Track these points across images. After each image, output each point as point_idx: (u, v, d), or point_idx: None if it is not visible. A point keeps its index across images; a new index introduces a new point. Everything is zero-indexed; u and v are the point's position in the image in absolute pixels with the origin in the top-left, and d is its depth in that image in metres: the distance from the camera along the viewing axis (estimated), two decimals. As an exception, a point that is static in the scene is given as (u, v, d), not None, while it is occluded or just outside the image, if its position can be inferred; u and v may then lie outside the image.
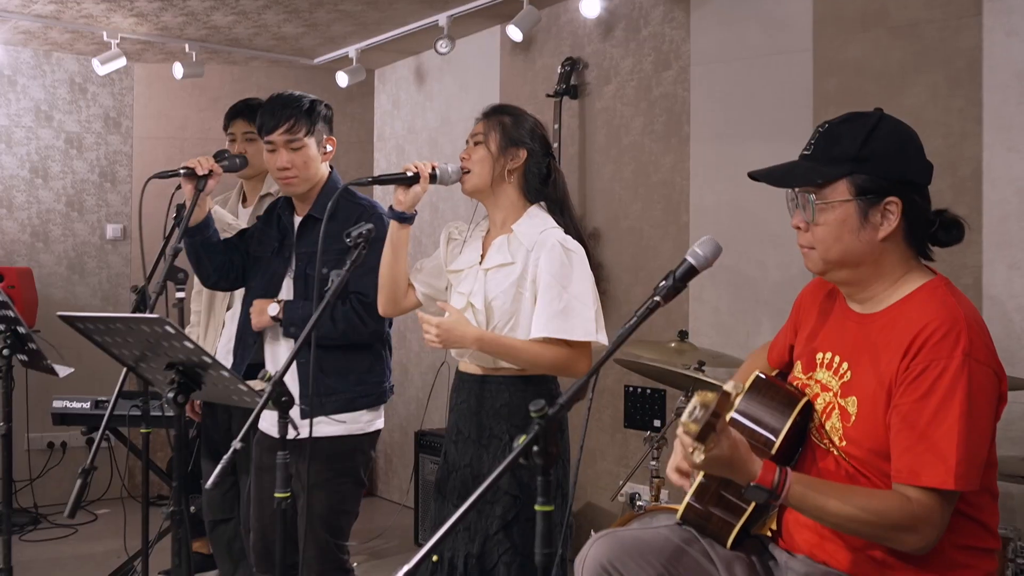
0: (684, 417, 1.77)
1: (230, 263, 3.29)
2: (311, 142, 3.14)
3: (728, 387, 1.77)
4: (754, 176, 2.17)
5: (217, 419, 3.89)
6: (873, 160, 2.03)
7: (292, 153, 3.11)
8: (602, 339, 2.66)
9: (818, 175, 2.06)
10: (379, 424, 3.24)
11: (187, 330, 4.04)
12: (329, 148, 3.21)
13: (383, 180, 2.86)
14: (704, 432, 1.77)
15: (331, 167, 3.28)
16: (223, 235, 3.38)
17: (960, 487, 1.90)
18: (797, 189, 2.12)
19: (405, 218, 2.81)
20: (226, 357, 3.56)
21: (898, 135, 2.09)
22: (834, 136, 2.08)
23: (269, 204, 3.44)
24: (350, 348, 3.13)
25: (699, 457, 1.83)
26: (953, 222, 2.11)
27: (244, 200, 3.99)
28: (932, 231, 2.11)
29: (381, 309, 2.95)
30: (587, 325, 2.63)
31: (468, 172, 2.80)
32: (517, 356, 2.66)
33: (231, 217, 3.81)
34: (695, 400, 1.76)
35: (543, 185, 2.83)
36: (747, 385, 2.23)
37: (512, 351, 2.66)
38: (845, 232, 2.05)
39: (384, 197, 6.47)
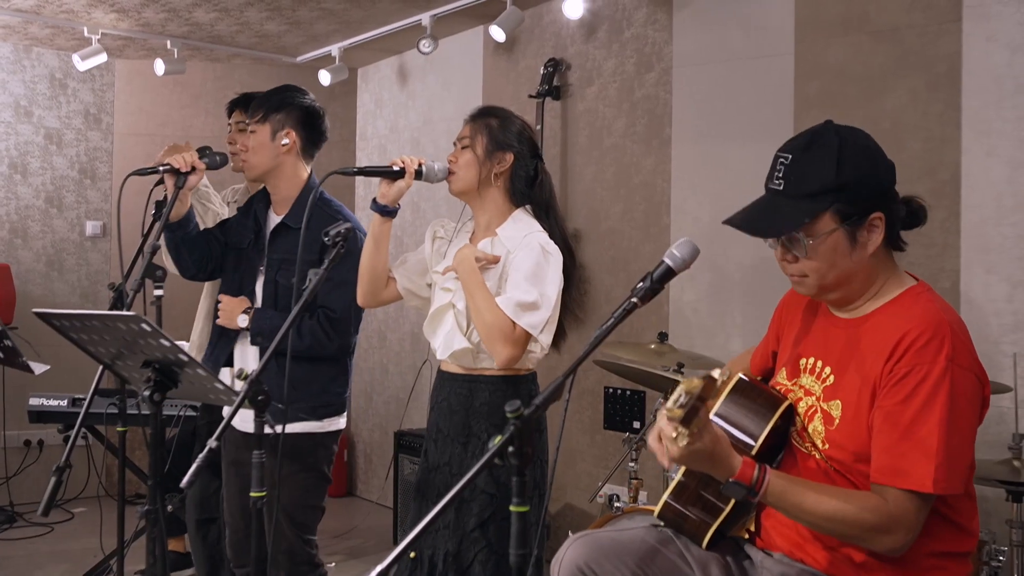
0: (668, 404, 1.75)
1: (209, 255, 3.30)
2: (263, 128, 3.16)
3: (714, 373, 1.75)
4: (731, 223, 2.10)
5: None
6: (852, 185, 2.02)
7: (246, 136, 3.20)
8: (544, 340, 2.69)
9: (803, 213, 2.02)
10: (340, 424, 3.27)
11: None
12: (285, 141, 3.17)
13: (368, 172, 2.88)
14: (688, 416, 1.76)
15: (311, 173, 3.27)
16: (205, 206, 3.40)
17: (938, 491, 1.91)
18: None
19: (388, 211, 2.82)
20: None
21: (863, 150, 2.07)
22: (802, 169, 2.04)
23: (250, 196, 3.45)
24: (317, 359, 3.14)
25: (682, 441, 1.81)
26: (919, 207, 2.14)
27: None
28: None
29: (360, 300, 2.96)
30: (535, 320, 2.63)
31: (454, 175, 2.80)
32: (477, 292, 2.66)
33: (217, 199, 3.81)
34: (680, 387, 1.74)
35: (529, 188, 2.84)
36: (730, 387, 2.24)
37: (480, 288, 2.66)
38: (838, 258, 2.05)
39: (365, 193, 6.46)
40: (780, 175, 2.07)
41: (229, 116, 3.94)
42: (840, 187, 2.01)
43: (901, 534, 1.93)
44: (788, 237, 2.06)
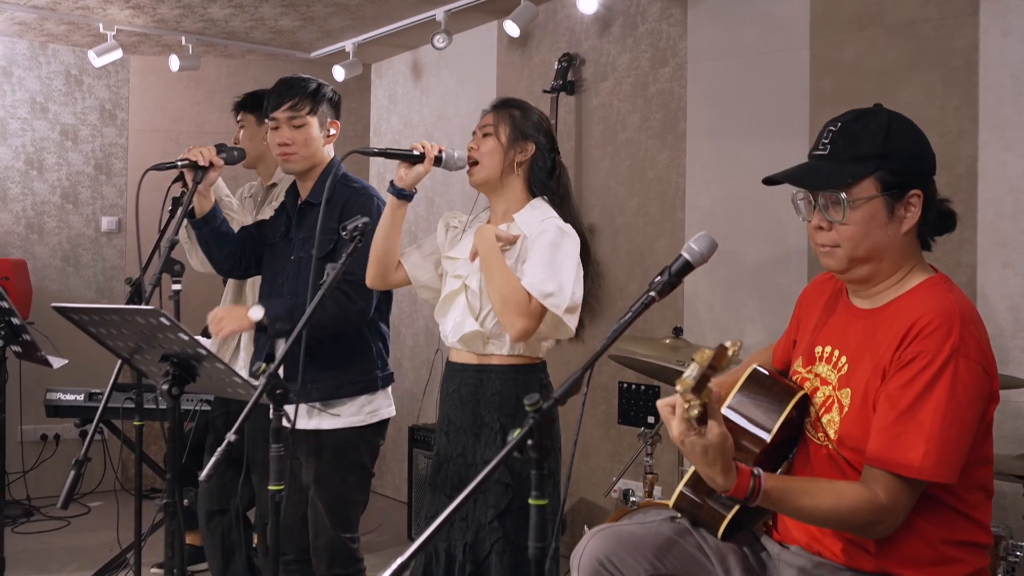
0: (682, 376, 1.75)
1: (243, 251, 3.31)
2: (313, 121, 3.19)
3: (726, 343, 1.74)
4: (773, 179, 2.13)
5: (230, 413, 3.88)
6: (897, 155, 2.06)
7: (294, 131, 3.17)
8: (570, 321, 2.63)
9: (847, 174, 2.05)
10: (384, 414, 3.24)
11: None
12: (332, 131, 3.26)
13: (389, 153, 2.89)
14: (700, 385, 1.75)
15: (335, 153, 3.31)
16: (230, 216, 3.47)
17: (925, 477, 1.92)
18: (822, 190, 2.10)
19: (404, 195, 2.84)
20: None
21: (912, 129, 2.12)
22: (852, 134, 2.08)
23: (266, 189, 3.49)
24: (333, 336, 3.12)
25: (693, 412, 1.80)
26: (949, 212, 2.17)
27: None
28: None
29: (369, 281, 2.96)
30: (557, 301, 2.59)
31: (477, 163, 2.80)
32: (496, 268, 2.63)
33: (225, 190, 3.86)
34: (693, 363, 1.73)
35: (548, 179, 2.84)
36: (744, 378, 2.24)
37: (499, 265, 2.64)
38: (874, 228, 2.06)
39: (379, 185, 6.48)
40: (827, 140, 2.10)
41: (236, 116, 3.98)
42: (886, 155, 2.05)
43: (889, 521, 1.96)
44: (828, 199, 2.08)
